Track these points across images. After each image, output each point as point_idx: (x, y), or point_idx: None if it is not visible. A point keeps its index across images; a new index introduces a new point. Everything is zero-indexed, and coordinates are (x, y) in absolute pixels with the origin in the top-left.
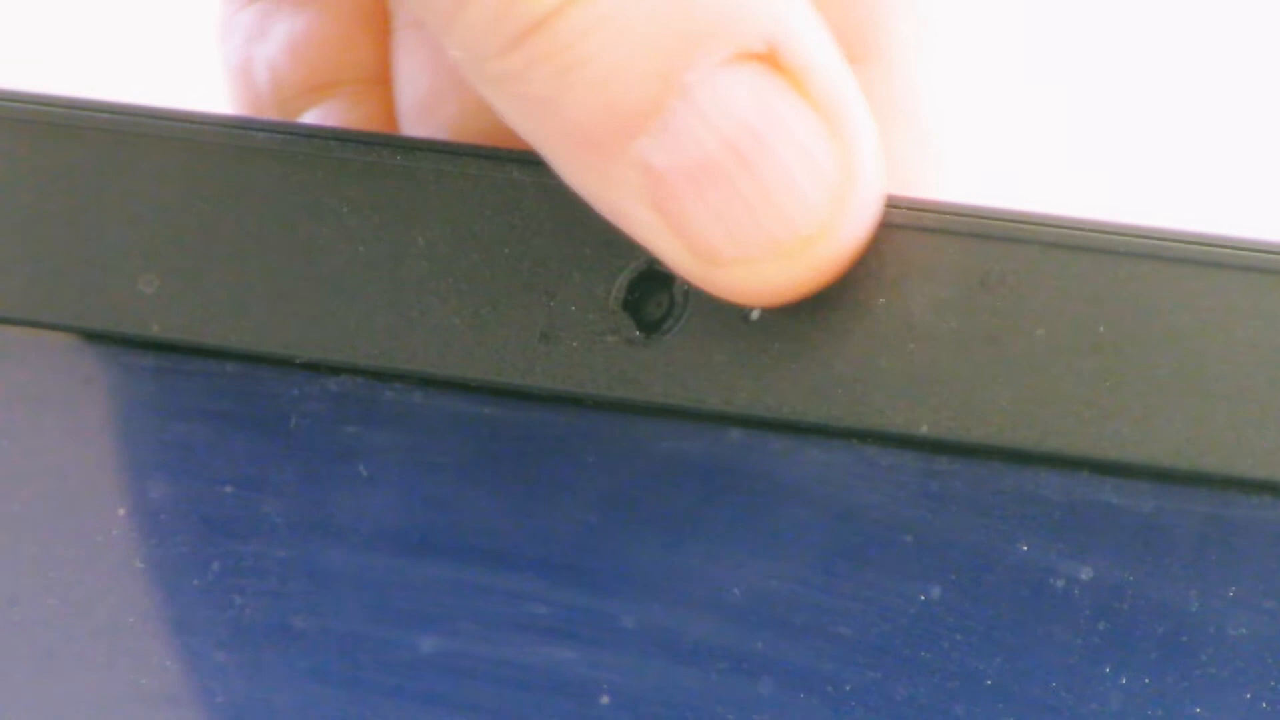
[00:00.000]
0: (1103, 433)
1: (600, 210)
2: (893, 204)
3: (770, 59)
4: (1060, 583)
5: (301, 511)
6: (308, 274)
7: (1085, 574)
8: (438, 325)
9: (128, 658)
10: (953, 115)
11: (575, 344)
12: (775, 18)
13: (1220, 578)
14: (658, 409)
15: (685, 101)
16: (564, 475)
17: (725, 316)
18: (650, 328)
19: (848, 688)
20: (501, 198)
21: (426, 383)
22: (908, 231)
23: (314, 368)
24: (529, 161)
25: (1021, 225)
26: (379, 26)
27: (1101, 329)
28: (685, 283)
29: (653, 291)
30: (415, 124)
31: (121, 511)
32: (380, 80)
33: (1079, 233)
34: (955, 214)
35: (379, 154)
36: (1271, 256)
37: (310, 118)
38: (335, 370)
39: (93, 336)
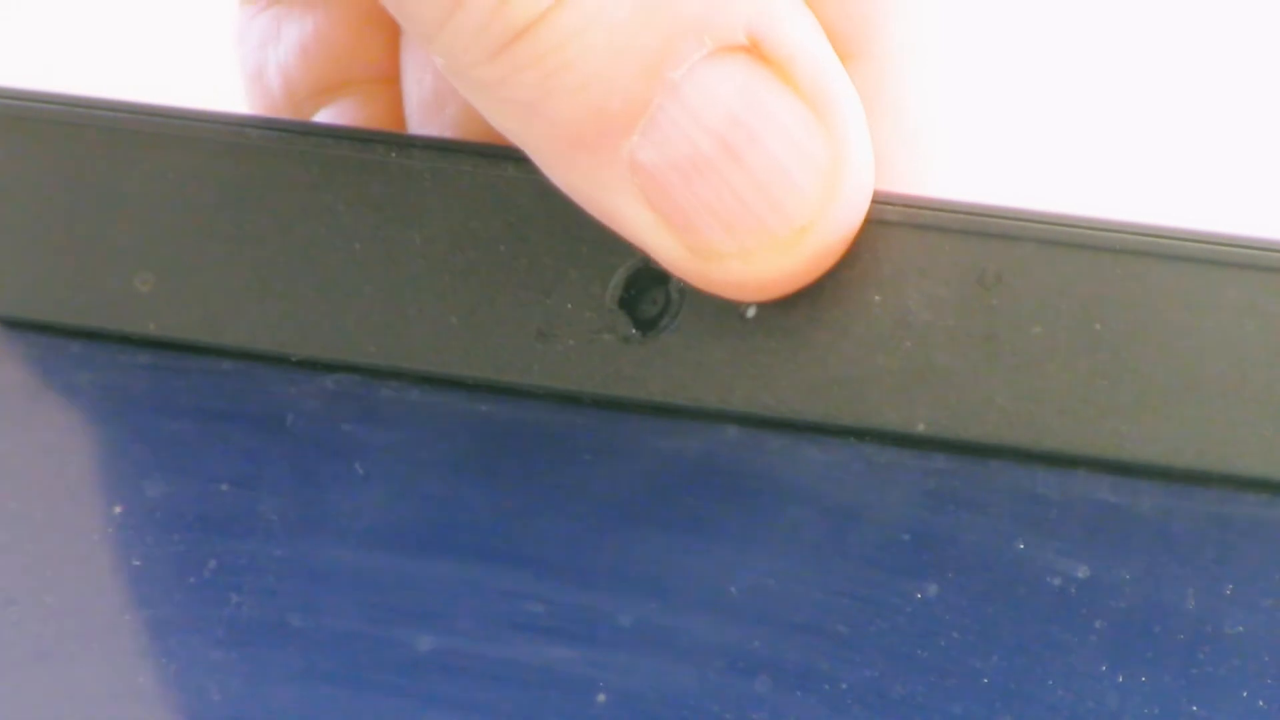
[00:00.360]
0: (1099, 431)
1: (592, 211)
2: (889, 201)
3: (754, 50)
4: (1057, 581)
5: (298, 510)
6: (304, 272)
7: (1082, 572)
8: (434, 323)
9: (124, 656)
10: (942, 114)
11: (572, 342)
12: (756, 9)
13: (1218, 576)
14: (654, 407)
15: (672, 98)
16: (561, 473)
17: (722, 314)
18: (646, 326)
19: (844, 686)
20: (498, 196)
21: (423, 381)
22: (904, 229)
23: (310, 366)
24: (525, 159)
25: (1018, 223)
26: (389, 26)
27: (1098, 327)
28: (681, 280)
29: (649, 289)
30: (422, 122)
31: (118, 509)
32: (390, 79)
33: (1076, 230)
34: (952, 211)
35: (375, 152)
36: (1268, 254)
37: (322, 118)
38: (331, 368)
39: (89, 335)
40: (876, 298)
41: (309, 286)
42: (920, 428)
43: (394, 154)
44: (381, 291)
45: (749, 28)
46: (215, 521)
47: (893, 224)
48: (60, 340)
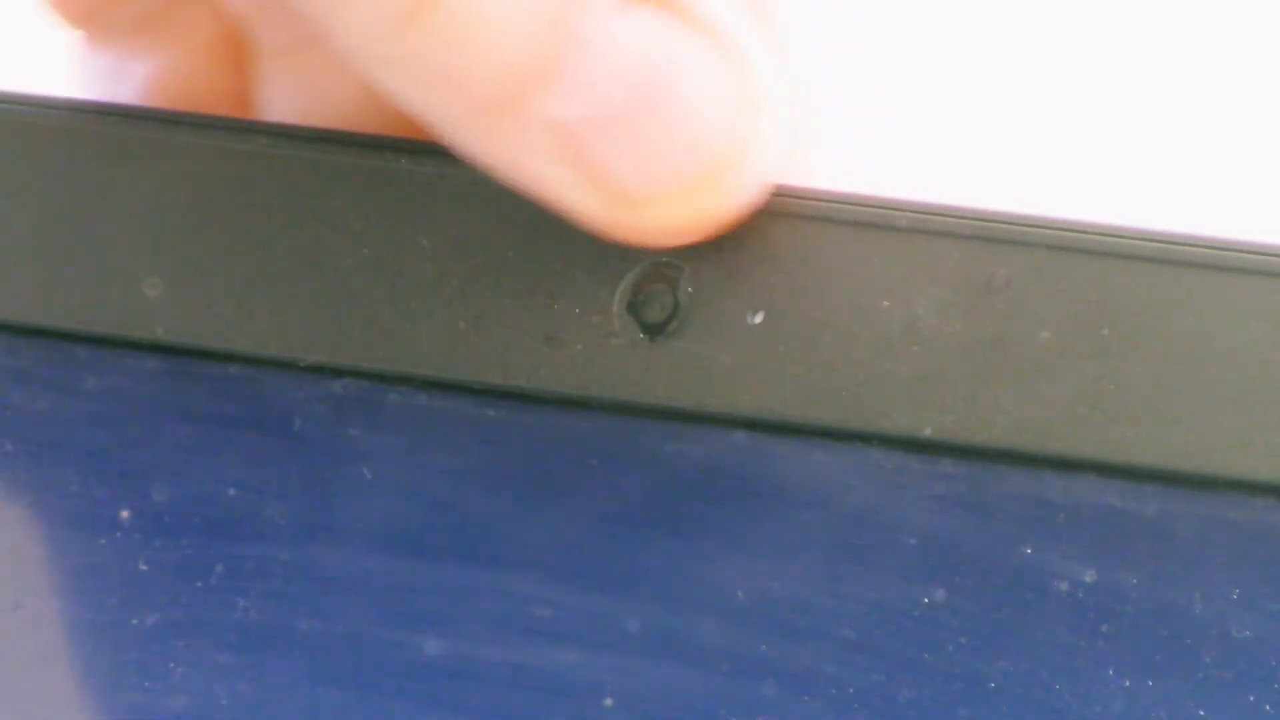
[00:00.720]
0: (1106, 436)
1: (510, 177)
2: (897, 207)
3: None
4: (1064, 585)
5: (305, 514)
6: (312, 277)
7: (1089, 576)
8: (441, 328)
9: (131, 660)
10: (829, 73)
11: (579, 347)
12: None
13: (1224, 580)
14: (662, 412)
15: (582, 51)
16: (568, 478)
17: (729, 319)
18: (654, 330)
19: (851, 690)
20: (505, 201)
21: (430, 386)
22: (912, 235)
23: (318, 371)
24: None
25: (1026, 229)
26: (235, 56)
27: (1105, 332)
28: (688, 285)
29: (656, 294)
30: None
31: (125, 514)
32: (242, 110)
33: (1083, 236)
34: (960, 217)
35: (383, 158)
36: (1276, 260)
37: None
38: (339, 373)
39: (97, 340)
40: (885, 303)
41: (317, 292)
42: (928, 432)
43: (403, 160)
44: (389, 297)
45: None
46: (222, 525)
47: (901, 230)
48: (69, 345)
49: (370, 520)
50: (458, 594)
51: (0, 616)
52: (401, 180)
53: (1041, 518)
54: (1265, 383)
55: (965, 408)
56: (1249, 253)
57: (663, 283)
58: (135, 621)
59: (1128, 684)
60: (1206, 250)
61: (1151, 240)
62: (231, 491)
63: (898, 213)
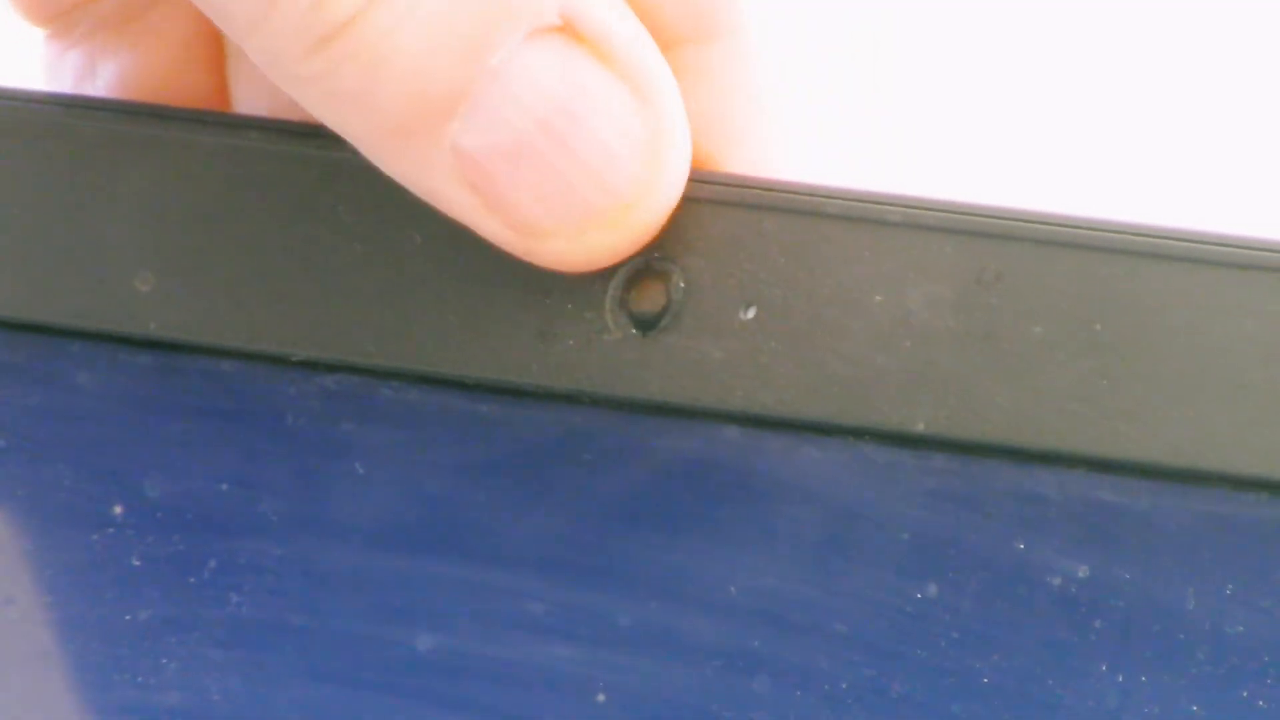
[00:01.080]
0: (1099, 431)
1: (419, 195)
2: (888, 202)
3: (569, 31)
4: (1057, 581)
5: (298, 509)
6: (304, 272)
7: (1082, 572)
8: (434, 323)
9: (124, 656)
10: (796, 90)
11: (572, 342)
12: None
13: (1217, 576)
14: (654, 407)
15: (492, 83)
16: (561, 473)
17: (722, 314)
18: (647, 325)
19: (844, 686)
20: None
21: (423, 381)
22: (904, 229)
23: (310, 366)
24: None
25: (1018, 223)
26: (210, 53)
27: (1098, 327)
28: (680, 280)
29: (649, 290)
30: None
31: (118, 509)
32: (220, 107)
33: (1076, 230)
34: (952, 211)
35: None
36: (1267, 255)
37: None
38: (331, 368)
39: (89, 335)
40: (876, 297)
41: (309, 286)
42: (920, 427)
43: None
44: (382, 291)
45: (562, 9)
46: (215, 521)
47: (893, 224)
48: (60, 340)
49: (363, 515)
50: (450, 589)
51: None
52: None
53: (1034, 513)
54: (1259, 378)
55: (958, 403)
56: (1242, 248)
57: (655, 278)
58: (128, 617)
59: (1120, 679)
60: (1199, 245)
61: (1144, 235)
62: (224, 487)
63: (889, 207)
